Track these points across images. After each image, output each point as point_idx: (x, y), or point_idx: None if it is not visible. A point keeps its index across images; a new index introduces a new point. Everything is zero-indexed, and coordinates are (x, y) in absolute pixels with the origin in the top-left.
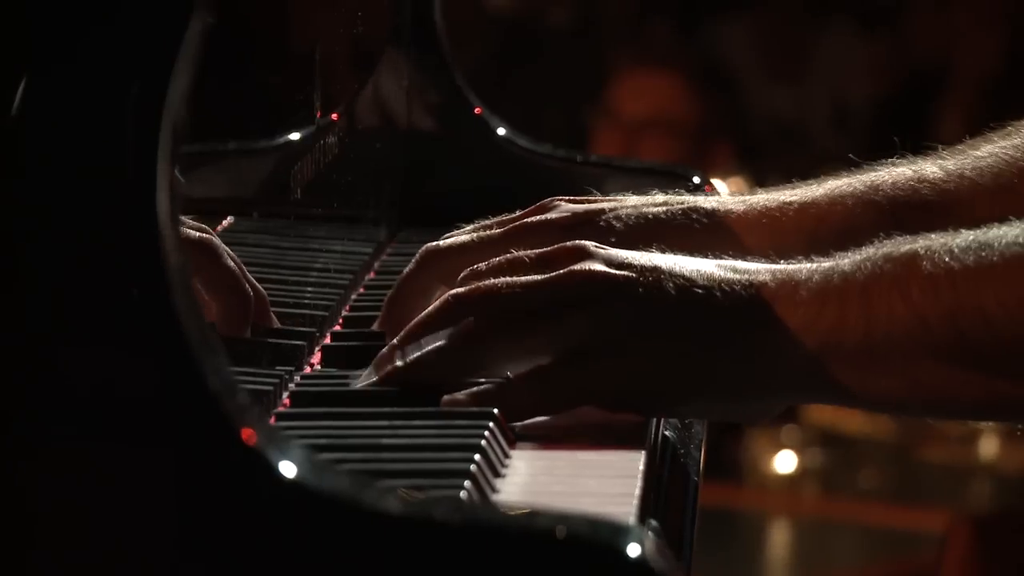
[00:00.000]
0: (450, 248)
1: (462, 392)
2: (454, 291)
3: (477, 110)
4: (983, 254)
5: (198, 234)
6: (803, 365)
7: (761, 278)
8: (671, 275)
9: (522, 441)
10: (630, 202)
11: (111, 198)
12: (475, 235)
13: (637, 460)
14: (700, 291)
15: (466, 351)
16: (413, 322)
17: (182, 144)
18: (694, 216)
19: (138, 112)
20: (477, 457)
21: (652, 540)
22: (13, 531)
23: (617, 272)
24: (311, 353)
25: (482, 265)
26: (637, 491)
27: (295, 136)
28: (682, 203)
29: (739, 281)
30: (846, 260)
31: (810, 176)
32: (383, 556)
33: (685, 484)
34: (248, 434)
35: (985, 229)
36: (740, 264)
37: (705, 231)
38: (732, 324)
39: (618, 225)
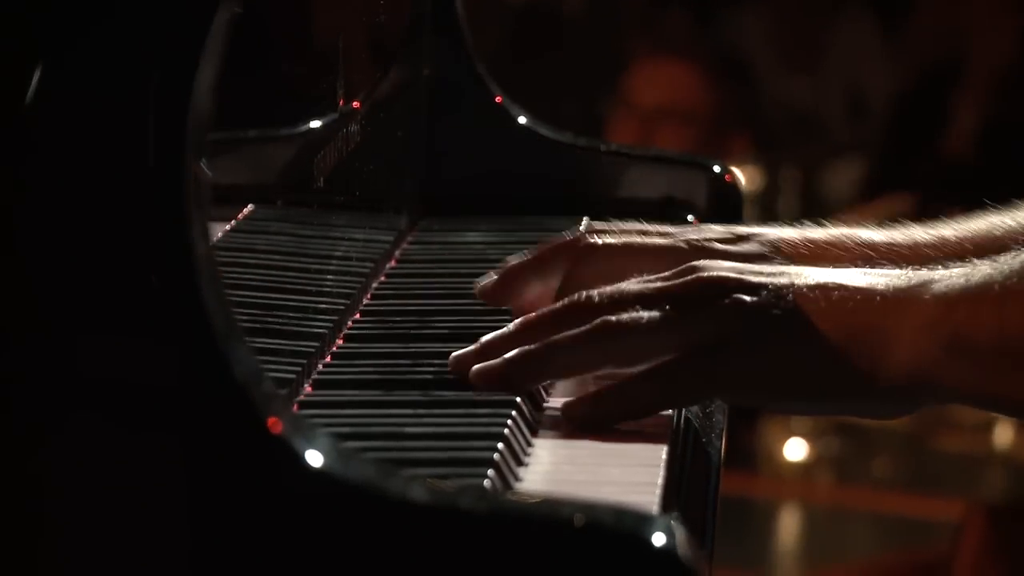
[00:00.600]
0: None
1: (579, 397)
2: (584, 291)
3: (498, 99)
4: None
5: None
6: (930, 366)
7: (888, 280)
8: (798, 278)
9: (544, 430)
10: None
11: (138, 187)
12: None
13: (659, 450)
14: (830, 293)
15: (591, 346)
16: (538, 314)
17: (208, 133)
18: (854, 247)
19: (164, 100)
20: (500, 445)
21: (677, 529)
22: (38, 519)
23: (743, 276)
24: (333, 341)
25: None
26: (660, 480)
27: (317, 124)
28: (845, 235)
29: (865, 284)
30: (985, 265)
31: (823, 166)
32: (408, 545)
33: (707, 473)
34: (274, 423)
35: None
36: (869, 270)
37: (865, 260)
38: (856, 327)
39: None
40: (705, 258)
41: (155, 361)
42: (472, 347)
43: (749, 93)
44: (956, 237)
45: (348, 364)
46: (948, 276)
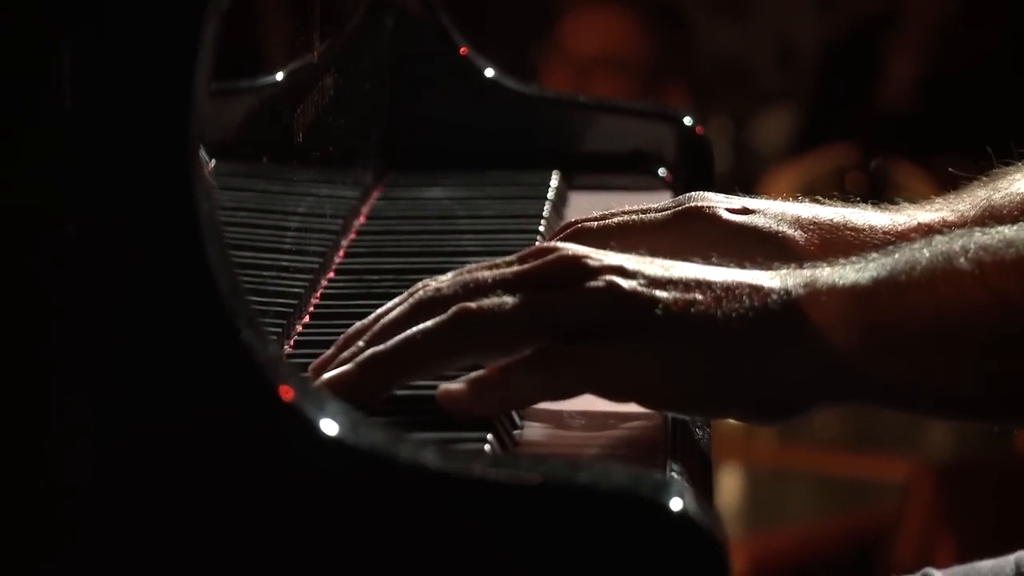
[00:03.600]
0: (608, 229)
1: (456, 383)
2: (432, 282)
3: (463, 50)
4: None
5: None
6: (848, 357)
7: (781, 275)
8: (675, 271)
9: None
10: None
11: (142, 144)
12: (632, 219)
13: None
14: (714, 288)
15: (450, 336)
16: (389, 310)
17: (209, 91)
18: (849, 232)
19: (171, 57)
20: None
21: (692, 494)
22: (46, 493)
23: (599, 257)
24: (310, 300)
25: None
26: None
27: (279, 79)
28: (832, 220)
29: (751, 279)
30: (872, 259)
31: (754, 116)
32: (421, 511)
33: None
34: (285, 390)
35: None
36: (746, 270)
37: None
38: (753, 325)
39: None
40: (707, 227)
41: (160, 327)
42: (329, 350)
43: (685, 41)
44: (957, 217)
45: (329, 324)
46: (845, 267)
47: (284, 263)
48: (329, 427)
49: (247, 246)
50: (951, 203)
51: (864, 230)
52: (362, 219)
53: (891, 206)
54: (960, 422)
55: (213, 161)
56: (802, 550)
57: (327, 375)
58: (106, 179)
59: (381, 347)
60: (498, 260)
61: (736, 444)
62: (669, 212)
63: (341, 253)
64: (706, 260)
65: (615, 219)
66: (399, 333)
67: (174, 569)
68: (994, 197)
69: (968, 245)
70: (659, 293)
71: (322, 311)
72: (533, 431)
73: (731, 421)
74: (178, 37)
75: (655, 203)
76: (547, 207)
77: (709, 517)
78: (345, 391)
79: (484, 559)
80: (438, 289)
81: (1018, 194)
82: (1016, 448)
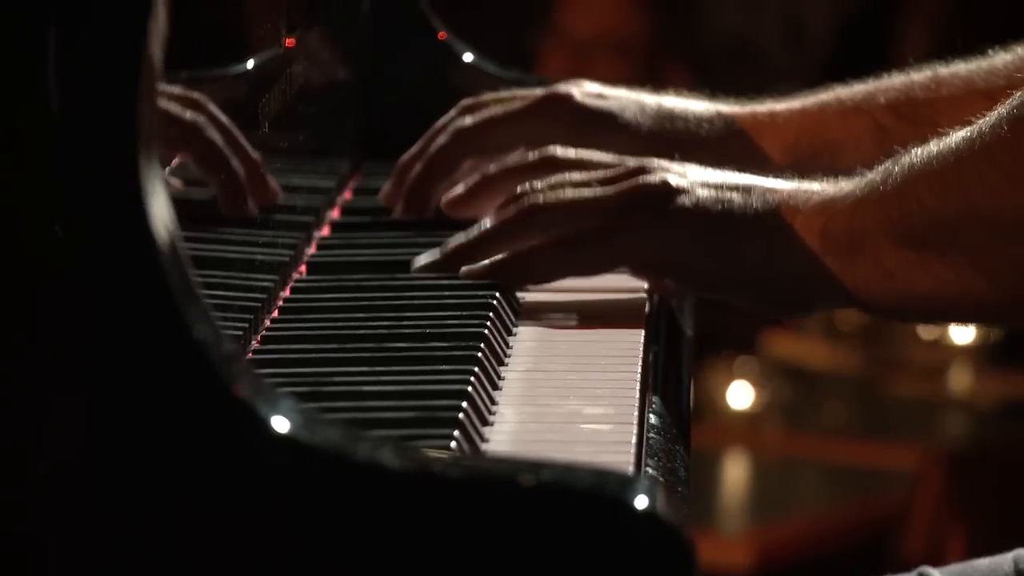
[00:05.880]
0: (482, 123)
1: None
2: (534, 200)
3: (441, 35)
4: (927, 157)
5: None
6: (829, 264)
7: (778, 189)
8: (714, 183)
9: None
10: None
11: (88, 141)
12: (502, 109)
13: (630, 407)
14: (733, 194)
15: (550, 257)
16: (488, 224)
17: (159, 78)
18: (680, 121)
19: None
20: (464, 404)
21: (659, 491)
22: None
23: (678, 182)
24: (279, 294)
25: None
26: (633, 438)
27: (252, 65)
28: (671, 109)
29: (759, 187)
30: (876, 170)
31: (762, 95)
32: (379, 511)
33: (679, 424)
34: (238, 388)
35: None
36: (764, 179)
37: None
38: (754, 223)
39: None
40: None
41: (110, 325)
42: (434, 255)
43: (686, 20)
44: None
45: (298, 319)
46: (824, 185)
47: (253, 257)
48: (281, 424)
49: (214, 240)
50: (789, 100)
51: (698, 118)
52: (336, 212)
53: (731, 102)
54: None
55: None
56: (811, 540)
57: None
58: (50, 176)
59: (497, 259)
60: (592, 175)
61: (743, 433)
62: (533, 99)
63: (313, 246)
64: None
65: (489, 111)
66: (507, 240)
67: (125, 566)
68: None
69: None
70: (698, 191)
71: (291, 306)
72: (503, 427)
73: (737, 409)
74: (123, 33)
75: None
76: None
77: (676, 515)
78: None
79: (444, 559)
80: (543, 207)
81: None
82: None
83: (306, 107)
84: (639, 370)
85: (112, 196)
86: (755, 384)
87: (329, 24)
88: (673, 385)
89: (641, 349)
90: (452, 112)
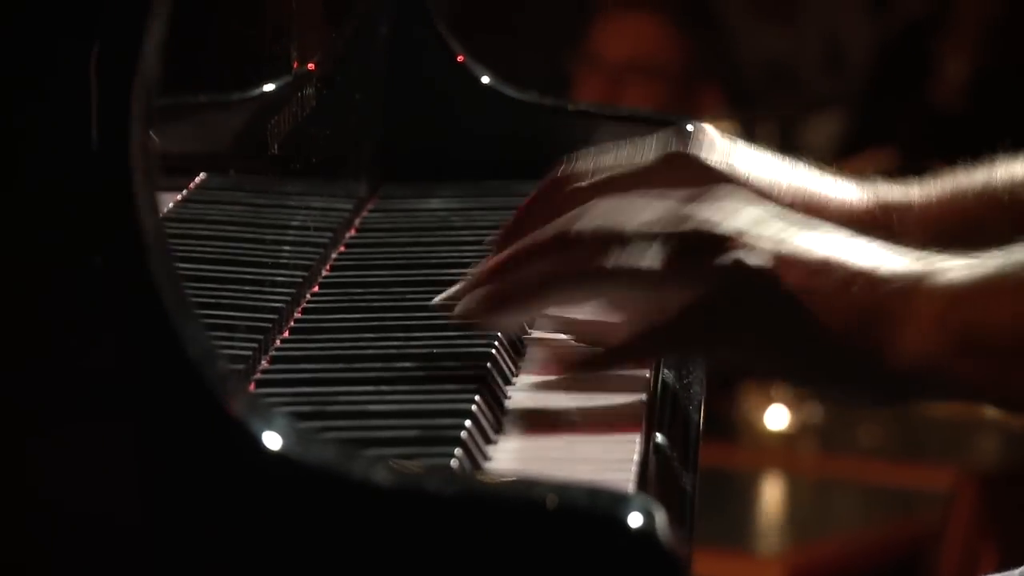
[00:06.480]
0: (600, 185)
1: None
2: (571, 221)
3: (460, 58)
4: None
5: None
6: (936, 360)
7: (895, 263)
8: (800, 245)
9: (513, 407)
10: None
11: (81, 160)
12: (620, 171)
13: (636, 424)
14: (835, 268)
15: (576, 284)
16: (520, 244)
17: (155, 101)
18: (812, 198)
19: (109, 64)
20: (468, 423)
21: (655, 509)
22: None
23: (745, 235)
24: (291, 314)
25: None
26: (636, 456)
27: (270, 88)
28: (800, 192)
29: (871, 264)
30: (993, 259)
31: (801, 120)
32: (373, 529)
33: (685, 446)
34: (232, 406)
35: None
36: (871, 244)
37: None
38: (859, 311)
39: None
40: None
41: (105, 342)
42: (459, 285)
43: (721, 45)
44: (922, 202)
45: (308, 339)
46: (957, 265)
47: (265, 278)
48: (274, 441)
49: (230, 260)
50: (924, 185)
51: (829, 199)
52: (353, 232)
53: (865, 180)
54: None
55: (202, 175)
56: (846, 560)
57: (468, 297)
58: (45, 195)
59: (519, 278)
60: (646, 206)
61: (779, 454)
62: (654, 159)
63: (328, 267)
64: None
65: (602, 176)
66: (535, 266)
67: None
68: (962, 180)
69: None
70: (776, 271)
71: (302, 325)
72: (507, 446)
73: (774, 431)
74: (118, 44)
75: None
76: None
77: (670, 534)
78: (484, 304)
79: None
80: (580, 233)
81: (991, 181)
82: None
83: (323, 129)
84: (648, 387)
85: (105, 213)
86: (791, 406)
87: (349, 46)
88: (683, 403)
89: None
90: (549, 177)
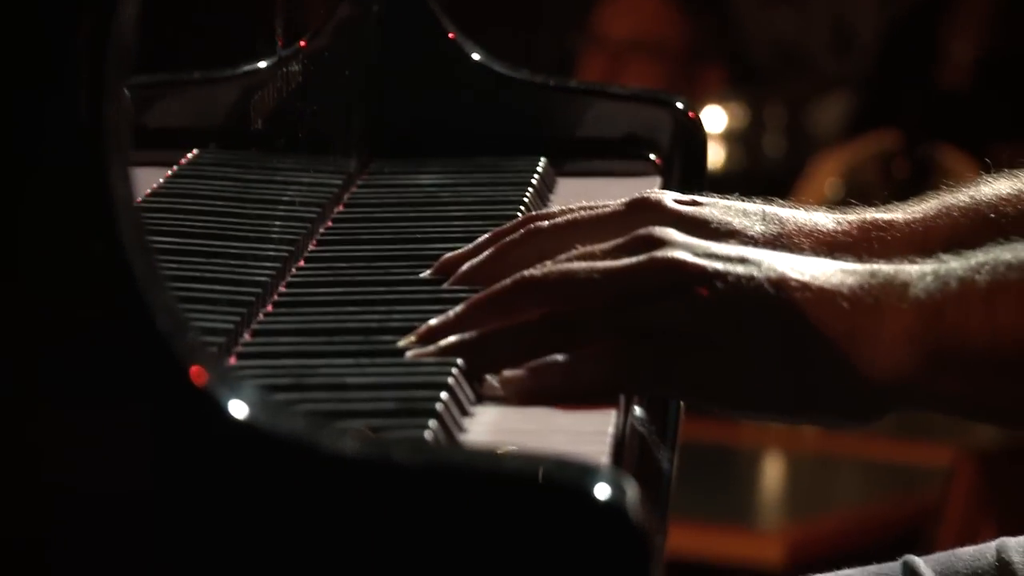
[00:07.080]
0: (564, 226)
1: (515, 371)
2: (527, 272)
3: (451, 35)
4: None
5: None
6: (911, 375)
7: (859, 279)
8: (760, 269)
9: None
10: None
11: (54, 129)
12: (585, 214)
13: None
14: (797, 291)
15: (539, 337)
16: (478, 298)
17: (130, 69)
18: (795, 238)
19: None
20: (444, 395)
21: (625, 482)
22: None
23: (702, 261)
24: (275, 288)
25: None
26: (611, 429)
27: (260, 64)
28: (778, 219)
29: (835, 283)
30: (956, 263)
31: (809, 101)
32: (341, 499)
33: (664, 420)
34: (197, 372)
35: None
36: (834, 262)
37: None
38: (829, 332)
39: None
40: (655, 218)
41: (77, 315)
42: (411, 336)
43: (724, 25)
44: (906, 220)
45: (291, 312)
46: (921, 274)
47: (251, 252)
48: (240, 411)
49: (217, 235)
50: (908, 205)
51: (801, 226)
52: (340, 207)
53: (843, 208)
54: None
55: (194, 151)
56: (845, 535)
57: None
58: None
59: (468, 336)
60: (594, 248)
61: (779, 432)
62: (619, 204)
63: (315, 241)
64: None
65: (566, 216)
66: (489, 318)
67: (82, 557)
68: (947, 198)
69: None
70: (739, 297)
71: (286, 300)
72: (483, 418)
73: None
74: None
75: (645, 188)
76: (529, 193)
77: (639, 506)
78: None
79: (404, 547)
80: (534, 278)
81: (977, 197)
82: None
83: (314, 105)
84: None
85: (74, 186)
86: None
87: (339, 21)
88: None
89: None
90: (514, 222)
